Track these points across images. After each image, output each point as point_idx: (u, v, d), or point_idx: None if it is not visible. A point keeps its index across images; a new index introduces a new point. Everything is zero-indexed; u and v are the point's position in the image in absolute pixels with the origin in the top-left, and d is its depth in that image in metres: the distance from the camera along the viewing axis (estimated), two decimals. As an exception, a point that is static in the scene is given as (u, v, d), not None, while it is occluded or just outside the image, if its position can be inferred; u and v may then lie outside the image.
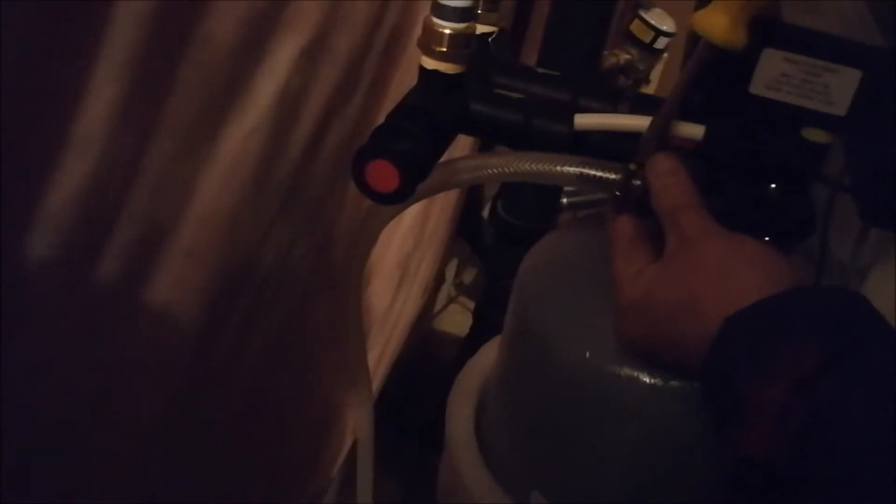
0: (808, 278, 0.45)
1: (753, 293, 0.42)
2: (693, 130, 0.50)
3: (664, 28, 1.42)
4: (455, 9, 0.50)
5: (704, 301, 0.44)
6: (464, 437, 0.64)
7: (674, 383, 0.50)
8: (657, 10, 1.45)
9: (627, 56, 1.43)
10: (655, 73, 1.52)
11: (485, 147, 1.05)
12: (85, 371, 0.58)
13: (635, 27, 1.42)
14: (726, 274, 0.44)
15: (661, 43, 1.43)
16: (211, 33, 0.55)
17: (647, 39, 1.42)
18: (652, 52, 1.43)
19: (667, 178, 0.49)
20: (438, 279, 1.42)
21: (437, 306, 1.55)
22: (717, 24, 0.44)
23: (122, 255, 0.55)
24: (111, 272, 0.54)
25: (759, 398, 0.39)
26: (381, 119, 0.52)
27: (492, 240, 1.28)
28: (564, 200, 1.23)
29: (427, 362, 1.38)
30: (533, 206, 1.18)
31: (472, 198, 1.31)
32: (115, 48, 0.47)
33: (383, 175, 0.49)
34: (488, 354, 0.70)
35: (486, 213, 1.35)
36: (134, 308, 0.59)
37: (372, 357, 1.08)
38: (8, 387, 0.51)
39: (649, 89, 1.52)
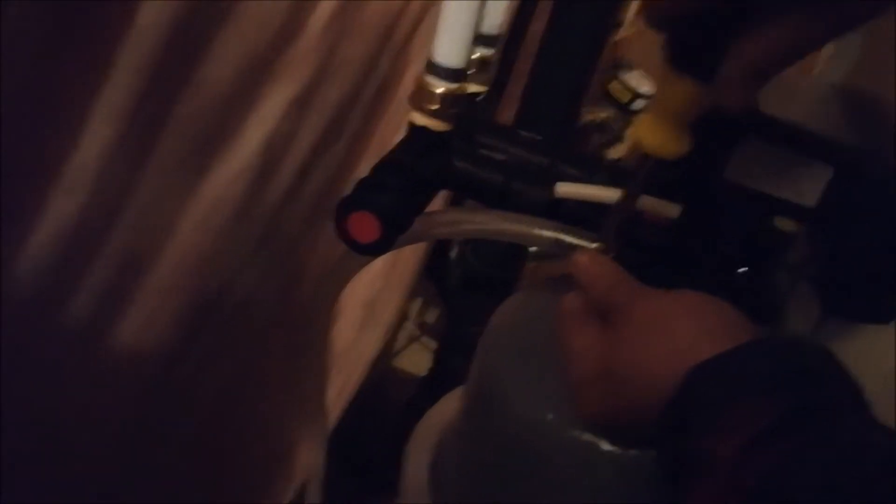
0: (749, 322, 0.44)
1: (701, 342, 0.42)
2: (669, 210, 0.52)
3: (642, 90, 1.45)
4: (448, 69, 0.51)
5: (653, 360, 0.43)
6: (419, 486, 0.64)
7: (632, 452, 0.51)
8: (637, 72, 1.48)
9: (604, 115, 1.46)
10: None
11: (456, 199, 1.06)
12: (49, 397, 0.57)
13: (614, 87, 1.46)
14: (667, 329, 0.44)
15: (639, 104, 1.46)
16: (207, 79, 0.55)
17: (625, 100, 1.45)
18: (628, 113, 1.46)
19: (592, 270, 0.49)
20: (400, 317, 1.41)
21: (399, 344, 1.54)
22: (653, 136, 0.43)
23: (97, 290, 0.54)
24: (85, 305, 0.54)
25: (712, 455, 0.38)
26: (362, 166, 0.53)
27: (457, 282, 1.28)
28: (532, 249, 1.24)
29: (383, 401, 1.37)
30: (500, 253, 1.18)
31: (440, 238, 1.31)
32: (115, 91, 0.48)
33: (365, 227, 0.50)
34: (450, 404, 0.69)
35: (453, 254, 1.35)
36: (102, 340, 0.59)
37: (330, 395, 1.07)
38: None
39: (622, 148, 1.55)
